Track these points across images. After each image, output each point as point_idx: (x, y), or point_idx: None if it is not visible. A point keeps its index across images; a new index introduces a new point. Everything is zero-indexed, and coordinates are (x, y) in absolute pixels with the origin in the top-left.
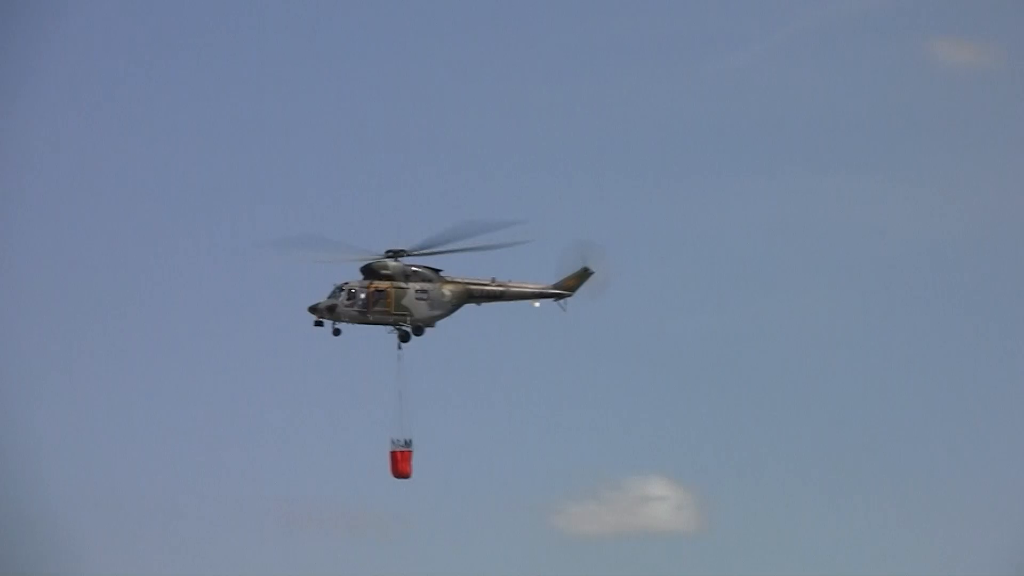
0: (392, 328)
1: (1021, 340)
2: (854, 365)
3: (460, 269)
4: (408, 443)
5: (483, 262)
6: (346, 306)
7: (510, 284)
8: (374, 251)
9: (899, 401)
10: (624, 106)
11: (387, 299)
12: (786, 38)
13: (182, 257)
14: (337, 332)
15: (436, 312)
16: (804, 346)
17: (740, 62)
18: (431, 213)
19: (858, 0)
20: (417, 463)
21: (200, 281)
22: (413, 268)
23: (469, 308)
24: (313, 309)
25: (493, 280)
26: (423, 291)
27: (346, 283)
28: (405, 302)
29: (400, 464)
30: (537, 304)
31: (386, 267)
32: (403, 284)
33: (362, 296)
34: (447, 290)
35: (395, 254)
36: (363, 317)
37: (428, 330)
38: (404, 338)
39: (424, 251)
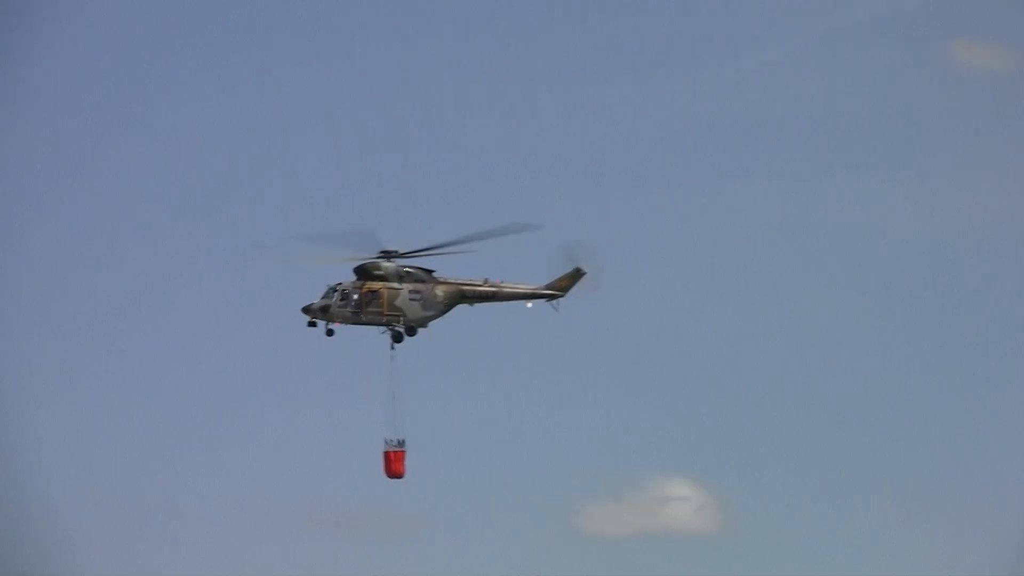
0: (385, 329)
1: None
2: (862, 365)
3: (453, 270)
4: (401, 443)
5: (476, 263)
6: (339, 307)
7: (503, 285)
8: (367, 252)
9: (900, 401)
10: (641, 108)
11: (380, 300)
12: (802, 42)
13: (176, 258)
14: (330, 333)
15: (429, 313)
16: (808, 346)
17: (756, 65)
18: (430, 214)
19: (872, 4)
20: (410, 463)
21: (194, 282)
22: (406, 269)
23: (462, 309)
24: (307, 310)
25: (486, 281)
26: (416, 292)
27: (339, 284)
28: (398, 303)
29: (393, 464)
30: (530, 305)
31: (379, 268)
32: (396, 285)
33: (355, 297)
34: (440, 291)
35: (388, 255)
36: (356, 318)
37: (421, 331)
38: (397, 338)
39: (417, 252)
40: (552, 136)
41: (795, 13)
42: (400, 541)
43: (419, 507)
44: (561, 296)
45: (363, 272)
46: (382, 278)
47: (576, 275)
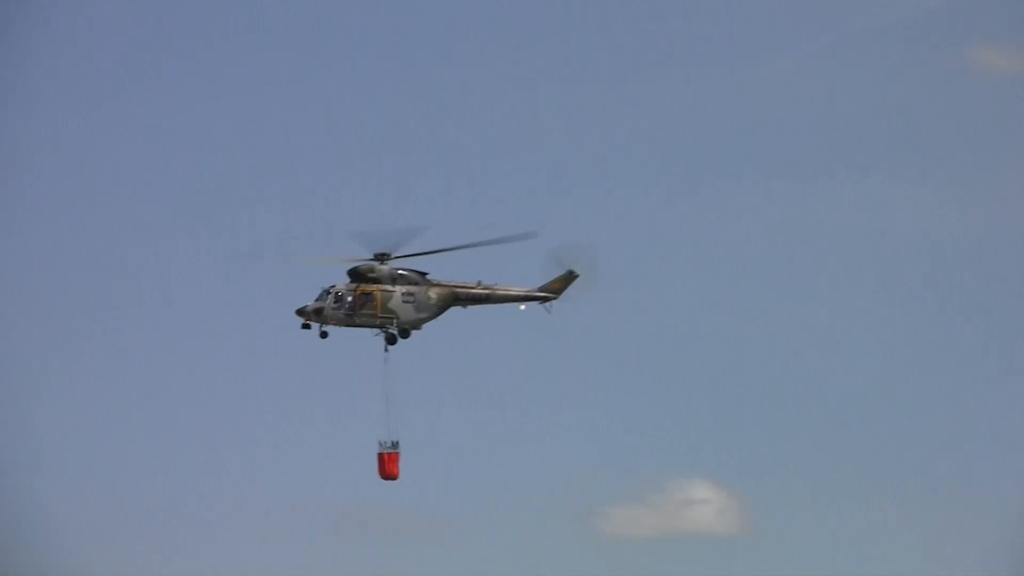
0: (379, 331)
1: None
2: (874, 366)
3: (446, 272)
4: (395, 445)
5: (469, 265)
6: (333, 309)
7: (496, 287)
8: (361, 254)
9: (908, 400)
10: (650, 112)
11: (374, 302)
12: (816, 47)
13: (170, 259)
14: (324, 335)
15: (422, 315)
16: (817, 347)
17: (769, 70)
18: (429, 215)
19: (889, 9)
20: (404, 464)
21: (188, 284)
22: (399, 271)
23: (455, 311)
24: (300, 312)
25: (479, 283)
26: (409, 294)
27: (333, 286)
28: (392, 305)
29: (388, 466)
30: (523, 307)
31: (373, 270)
32: (389, 287)
33: (349, 299)
34: (433, 293)
35: (382, 257)
36: (350, 320)
37: (414, 333)
38: (391, 340)
39: (411, 254)
40: (561, 140)
41: (809, 18)
42: (396, 541)
43: (413, 509)
44: (554, 298)
45: (357, 274)
46: (376, 280)
47: (569, 277)
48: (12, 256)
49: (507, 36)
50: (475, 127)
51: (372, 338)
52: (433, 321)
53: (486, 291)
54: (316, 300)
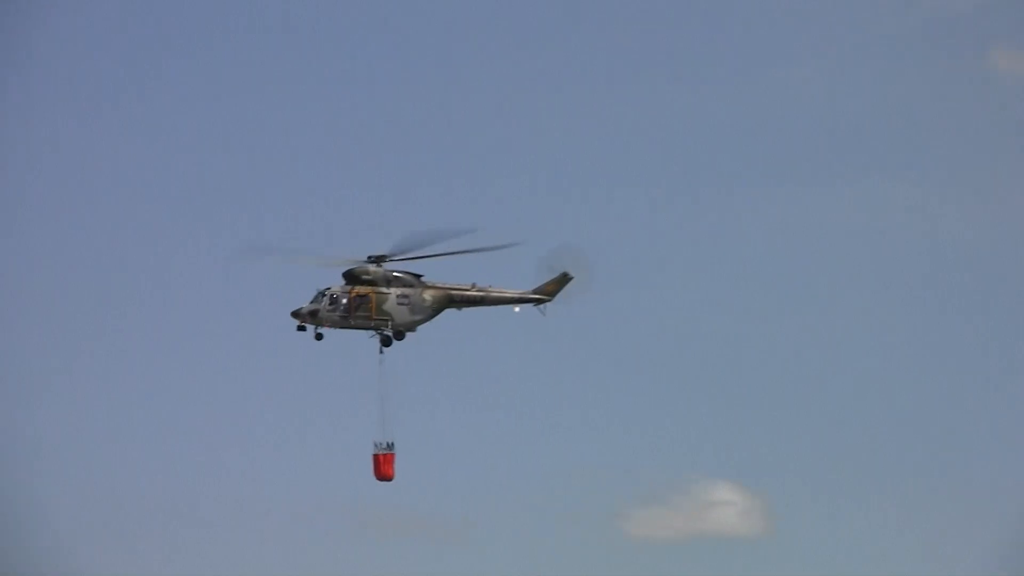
0: (374, 332)
1: None
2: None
3: (441, 274)
4: (391, 446)
5: (464, 267)
6: (328, 311)
7: (490, 289)
8: (356, 256)
9: (903, 402)
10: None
11: (369, 304)
12: (839, 51)
13: (166, 260)
14: (319, 337)
15: (417, 317)
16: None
17: (795, 75)
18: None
19: (911, 13)
20: (400, 465)
21: (182, 285)
22: (394, 273)
23: (450, 313)
24: (296, 314)
25: (473, 285)
26: (404, 296)
27: (328, 288)
28: (386, 307)
29: (383, 466)
30: (517, 309)
31: (368, 272)
32: (384, 289)
33: (344, 301)
34: (428, 295)
35: (377, 259)
36: (345, 322)
37: (409, 335)
38: (386, 342)
39: (406, 256)
40: (561, 141)
41: (833, 21)
42: (392, 542)
43: (408, 509)
44: (548, 300)
45: (352, 276)
46: (371, 282)
47: (563, 280)
48: (12, 256)
49: (507, 38)
50: (475, 128)
51: (367, 340)
52: (428, 323)
53: (481, 293)
54: (311, 302)
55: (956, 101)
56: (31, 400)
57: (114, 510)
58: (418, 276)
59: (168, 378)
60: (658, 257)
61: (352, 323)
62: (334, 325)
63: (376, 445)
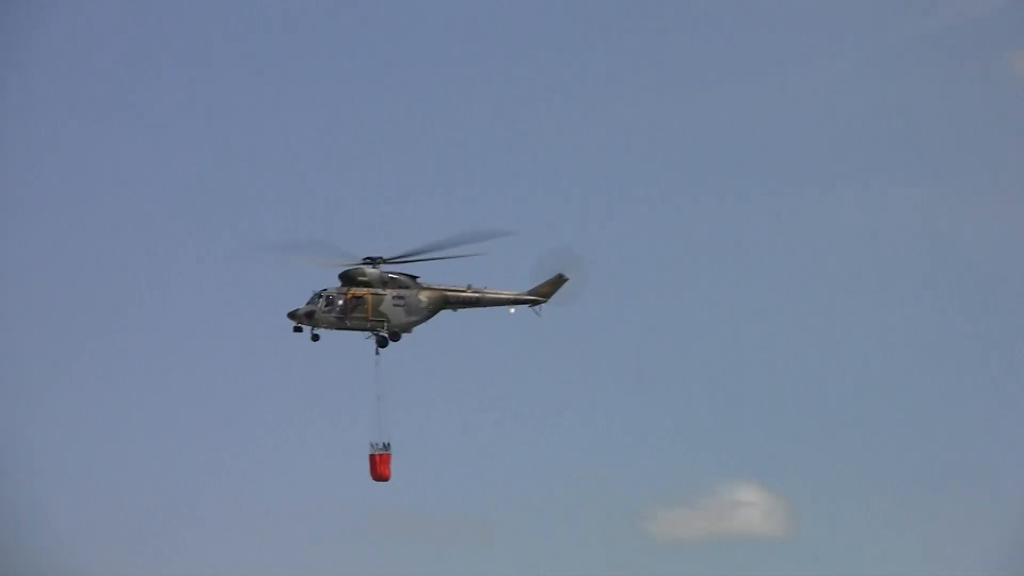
0: (370, 334)
1: None
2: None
3: (436, 276)
4: (387, 446)
5: (459, 269)
6: (324, 312)
7: (486, 290)
8: (353, 257)
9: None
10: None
11: (365, 305)
12: (862, 55)
13: (162, 262)
14: (316, 338)
15: (413, 318)
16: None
17: (815, 80)
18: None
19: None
20: (396, 466)
21: (178, 287)
22: (390, 275)
23: (445, 314)
24: (292, 315)
25: (469, 286)
26: (400, 297)
27: (324, 289)
28: (382, 308)
29: (379, 467)
30: (513, 310)
31: (364, 274)
32: (380, 290)
33: (340, 302)
34: (424, 296)
35: (373, 261)
36: (341, 323)
37: (405, 336)
38: (382, 343)
39: (402, 258)
40: (560, 143)
41: (852, 25)
42: (389, 542)
43: (405, 509)
44: (544, 302)
45: (348, 278)
46: (367, 284)
47: (559, 281)
48: (11, 256)
49: (507, 38)
50: (475, 129)
51: (363, 341)
52: (423, 324)
53: (476, 294)
54: (307, 303)
55: (975, 105)
56: (31, 400)
57: (111, 510)
58: (414, 277)
59: (165, 378)
60: (658, 258)
61: (348, 324)
62: (330, 326)
63: (372, 446)
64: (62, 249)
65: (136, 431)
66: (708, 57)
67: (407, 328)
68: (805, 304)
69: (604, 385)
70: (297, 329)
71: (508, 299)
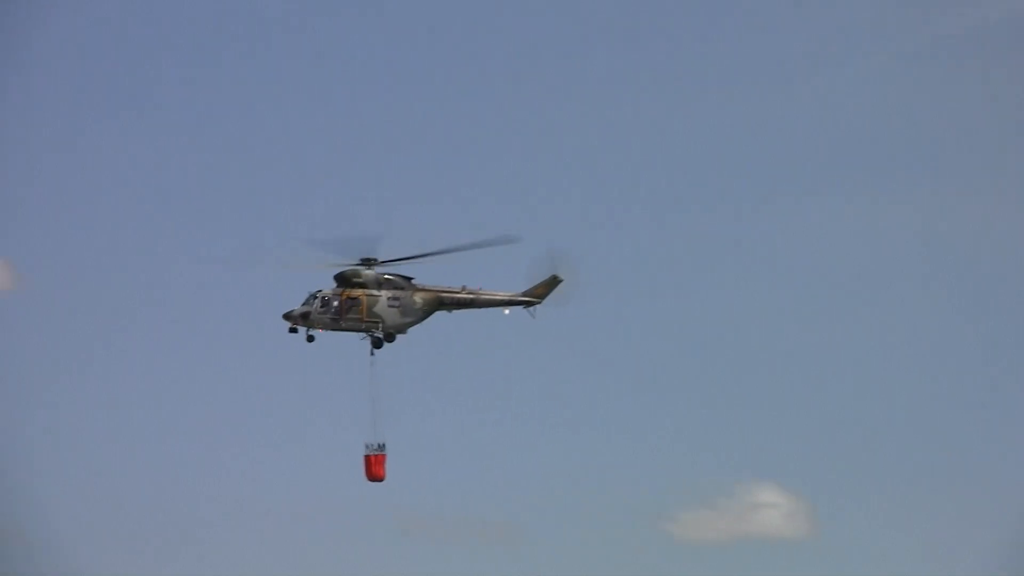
0: (365, 335)
1: None
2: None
3: (431, 277)
4: (382, 447)
5: (454, 270)
6: (320, 313)
7: (480, 292)
8: (348, 259)
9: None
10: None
11: (360, 306)
12: (884, 58)
13: (159, 263)
14: (311, 339)
15: (408, 319)
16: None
17: (832, 83)
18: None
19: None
20: (391, 466)
21: (174, 288)
22: (385, 276)
23: (440, 315)
24: (287, 316)
25: (464, 288)
26: (395, 299)
27: (320, 291)
28: (377, 309)
29: (374, 467)
30: (507, 311)
31: (359, 275)
32: (375, 292)
33: (335, 303)
34: (419, 298)
35: (368, 262)
36: (336, 324)
37: (400, 337)
38: (377, 344)
39: (397, 259)
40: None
41: (877, 28)
42: (385, 542)
43: (400, 509)
44: (538, 303)
45: (343, 279)
46: (362, 285)
47: (553, 282)
48: (11, 256)
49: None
50: (475, 129)
51: (358, 342)
52: (418, 325)
53: (471, 296)
54: (303, 304)
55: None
56: (31, 400)
57: (109, 511)
58: (409, 279)
59: (161, 379)
60: (658, 258)
61: (343, 325)
62: (325, 327)
63: (367, 446)
64: (62, 249)
65: (133, 431)
66: (708, 59)
67: (402, 329)
68: (805, 304)
69: (598, 386)
70: (292, 330)
71: (503, 300)
